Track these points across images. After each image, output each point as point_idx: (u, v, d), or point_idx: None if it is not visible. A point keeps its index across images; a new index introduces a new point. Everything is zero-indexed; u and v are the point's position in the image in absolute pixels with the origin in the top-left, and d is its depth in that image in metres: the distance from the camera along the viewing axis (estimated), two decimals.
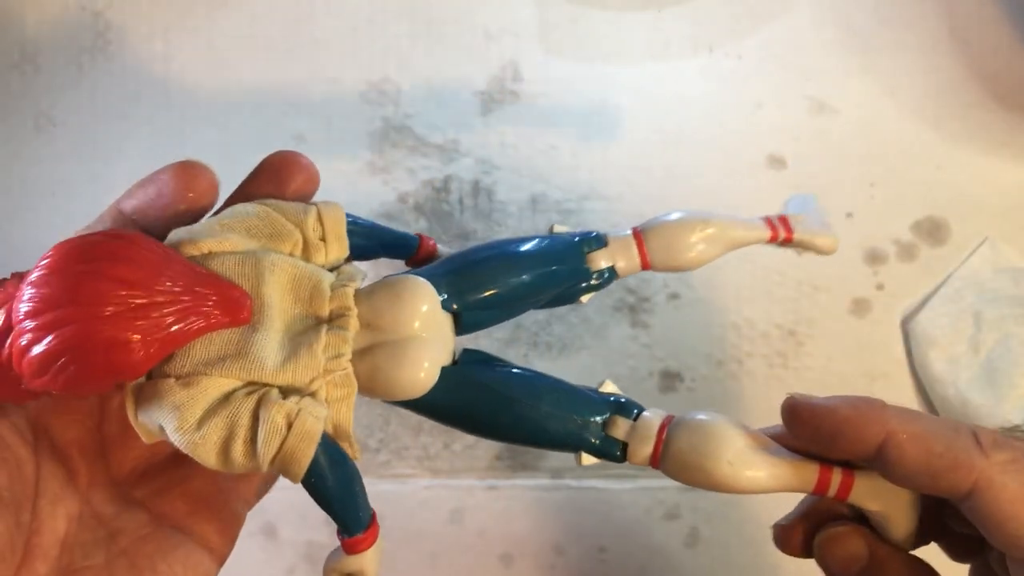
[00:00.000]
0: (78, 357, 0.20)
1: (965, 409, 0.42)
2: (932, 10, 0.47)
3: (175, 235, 0.23)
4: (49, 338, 0.20)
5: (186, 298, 0.21)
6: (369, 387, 0.23)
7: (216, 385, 0.22)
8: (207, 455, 0.21)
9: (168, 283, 0.21)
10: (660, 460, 0.25)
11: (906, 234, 0.45)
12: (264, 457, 0.21)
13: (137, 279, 0.20)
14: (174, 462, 0.26)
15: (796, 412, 0.24)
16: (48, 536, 0.23)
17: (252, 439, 0.21)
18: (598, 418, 0.25)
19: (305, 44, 0.46)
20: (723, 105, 0.46)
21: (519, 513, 0.44)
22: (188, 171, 0.24)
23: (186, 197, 0.23)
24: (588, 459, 0.26)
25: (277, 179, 0.25)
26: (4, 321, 0.21)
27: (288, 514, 0.43)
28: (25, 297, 0.20)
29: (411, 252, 0.28)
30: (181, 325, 0.21)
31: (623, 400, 0.26)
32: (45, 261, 0.20)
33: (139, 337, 0.20)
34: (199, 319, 0.21)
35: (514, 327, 0.45)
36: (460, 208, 0.45)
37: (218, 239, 0.23)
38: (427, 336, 0.24)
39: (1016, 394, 0.42)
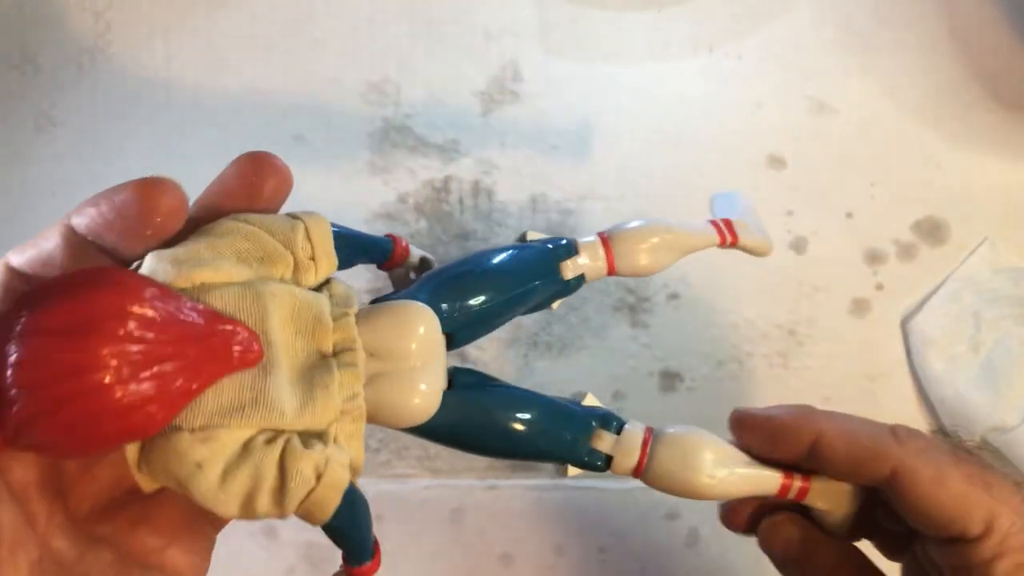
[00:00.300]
0: (89, 428, 0.18)
1: (964, 409, 0.42)
2: (932, 10, 0.47)
3: (159, 264, 0.21)
4: (54, 410, 0.18)
5: (196, 345, 0.20)
6: (372, 417, 0.23)
7: (234, 437, 0.21)
8: (229, 508, 0.20)
9: (175, 331, 0.19)
10: (643, 472, 0.27)
11: (906, 234, 0.45)
12: (290, 508, 0.21)
13: (141, 333, 0.19)
14: (139, 496, 0.24)
15: (741, 423, 0.28)
16: None
17: (278, 490, 0.21)
18: (585, 434, 0.27)
19: (305, 44, 0.46)
20: (723, 105, 0.46)
21: (519, 513, 0.44)
22: (154, 190, 0.21)
23: (153, 221, 0.21)
24: (574, 470, 0.27)
25: (249, 184, 0.23)
26: None
27: None
28: (15, 360, 0.18)
29: (386, 256, 0.28)
30: (195, 376, 0.20)
31: (604, 413, 0.27)
32: (30, 316, 0.18)
33: (153, 397, 0.19)
34: (213, 367, 0.20)
35: (514, 327, 0.45)
36: (460, 208, 0.45)
37: (212, 268, 0.21)
38: (429, 363, 0.24)
39: (1015, 394, 0.42)
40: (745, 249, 0.30)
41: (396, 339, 0.23)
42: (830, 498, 0.28)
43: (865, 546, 0.29)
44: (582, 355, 0.45)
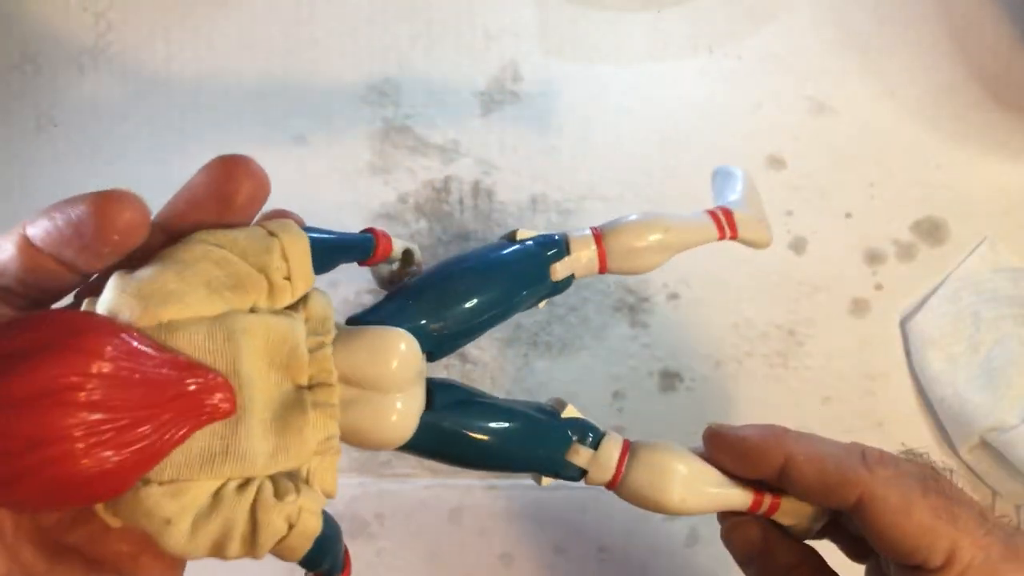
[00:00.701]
0: (56, 495, 0.18)
1: (963, 408, 0.42)
2: (932, 10, 0.47)
3: (122, 298, 0.20)
4: (21, 479, 0.18)
5: (166, 405, 0.19)
6: (348, 440, 0.23)
7: (204, 489, 0.20)
8: (199, 555, 0.20)
9: (142, 392, 0.19)
10: (617, 488, 0.27)
11: (905, 234, 0.46)
12: (261, 553, 0.21)
13: (106, 398, 0.18)
14: None
15: (713, 440, 0.28)
16: None
17: (249, 538, 0.20)
18: (561, 449, 0.27)
19: (305, 44, 0.46)
20: (722, 105, 0.46)
21: (519, 513, 0.44)
22: (111, 205, 0.20)
23: (110, 240, 0.20)
24: (547, 480, 0.27)
25: (220, 192, 0.21)
26: None
27: None
28: None
29: (368, 254, 0.26)
30: (165, 436, 0.19)
31: (583, 425, 0.27)
32: (15, 372, 0.18)
33: (120, 461, 0.18)
34: (184, 425, 0.19)
35: (514, 327, 0.45)
36: (460, 208, 0.45)
37: (179, 304, 0.20)
38: (406, 388, 0.23)
39: (1013, 394, 0.42)
40: (744, 242, 0.29)
41: (373, 367, 0.23)
42: (798, 516, 0.28)
43: (825, 546, 0.30)
44: (582, 355, 0.45)
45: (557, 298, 0.28)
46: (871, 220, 0.46)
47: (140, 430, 0.19)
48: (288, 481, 0.21)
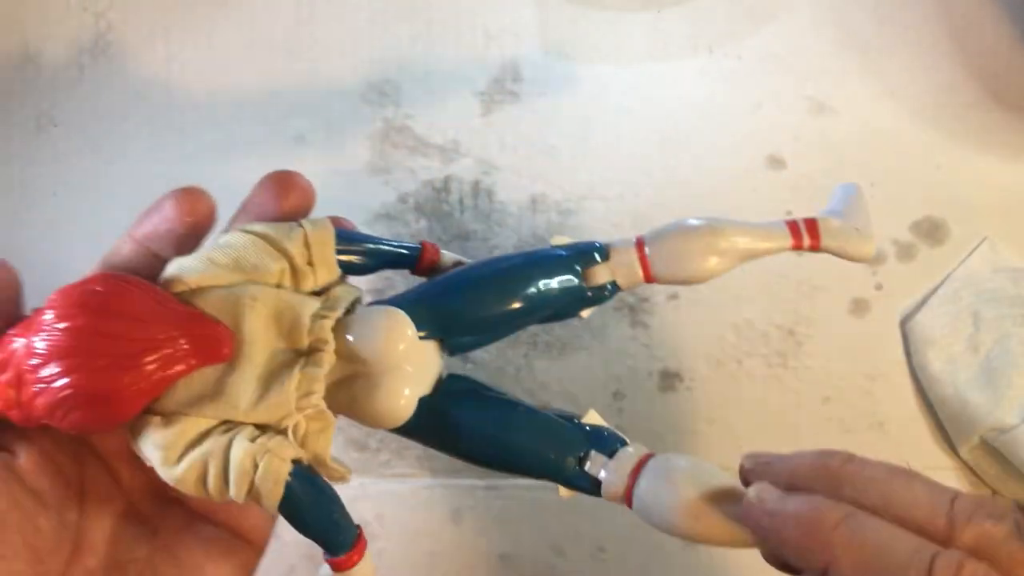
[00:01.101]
0: (77, 407, 0.22)
1: (963, 408, 0.42)
2: (932, 10, 0.47)
3: (168, 272, 0.24)
4: (51, 388, 0.22)
5: (170, 344, 0.23)
6: (348, 416, 0.25)
7: (194, 425, 0.23)
8: (187, 488, 0.23)
9: (155, 330, 0.22)
10: (630, 503, 0.25)
11: (905, 234, 0.46)
12: (236, 493, 0.23)
13: (127, 331, 0.22)
14: None
15: (747, 512, 0.23)
16: (97, 532, 0.26)
17: (226, 477, 0.23)
18: (572, 453, 0.25)
19: (305, 44, 0.46)
20: (722, 106, 0.46)
21: (519, 513, 0.44)
22: (187, 197, 0.25)
23: (185, 221, 0.25)
24: (566, 492, 0.26)
25: (274, 196, 0.26)
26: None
27: None
28: (33, 346, 0.22)
29: (413, 263, 0.27)
30: (165, 371, 0.23)
31: (604, 433, 0.26)
32: (51, 310, 0.22)
33: (128, 386, 0.22)
34: (180, 364, 0.23)
35: None
36: (460, 208, 0.45)
37: (205, 274, 0.24)
38: (404, 368, 0.24)
39: (1013, 394, 0.42)
40: (832, 252, 0.26)
41: (367, 344, 0.24)
42: None
43: None
44: (582, 355, 0.45)
45: None
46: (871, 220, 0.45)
47: (147, 362, 0.22)
48: (270, 431, 0.23)
